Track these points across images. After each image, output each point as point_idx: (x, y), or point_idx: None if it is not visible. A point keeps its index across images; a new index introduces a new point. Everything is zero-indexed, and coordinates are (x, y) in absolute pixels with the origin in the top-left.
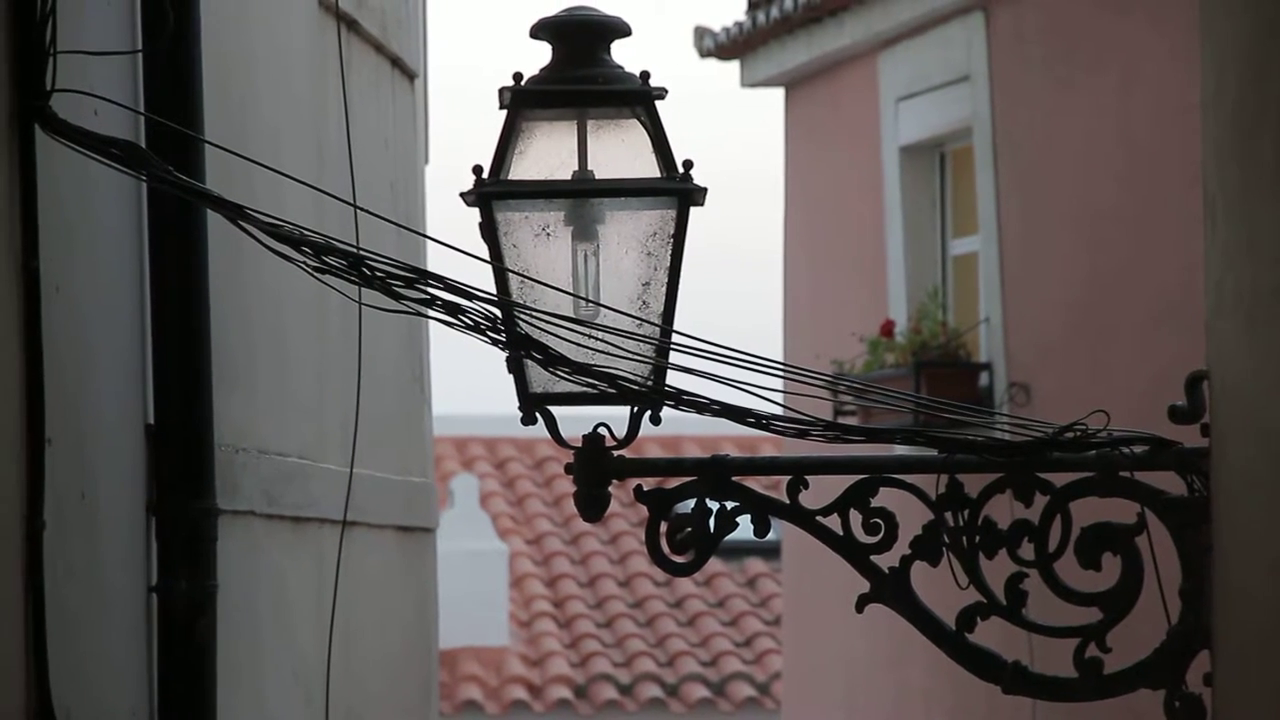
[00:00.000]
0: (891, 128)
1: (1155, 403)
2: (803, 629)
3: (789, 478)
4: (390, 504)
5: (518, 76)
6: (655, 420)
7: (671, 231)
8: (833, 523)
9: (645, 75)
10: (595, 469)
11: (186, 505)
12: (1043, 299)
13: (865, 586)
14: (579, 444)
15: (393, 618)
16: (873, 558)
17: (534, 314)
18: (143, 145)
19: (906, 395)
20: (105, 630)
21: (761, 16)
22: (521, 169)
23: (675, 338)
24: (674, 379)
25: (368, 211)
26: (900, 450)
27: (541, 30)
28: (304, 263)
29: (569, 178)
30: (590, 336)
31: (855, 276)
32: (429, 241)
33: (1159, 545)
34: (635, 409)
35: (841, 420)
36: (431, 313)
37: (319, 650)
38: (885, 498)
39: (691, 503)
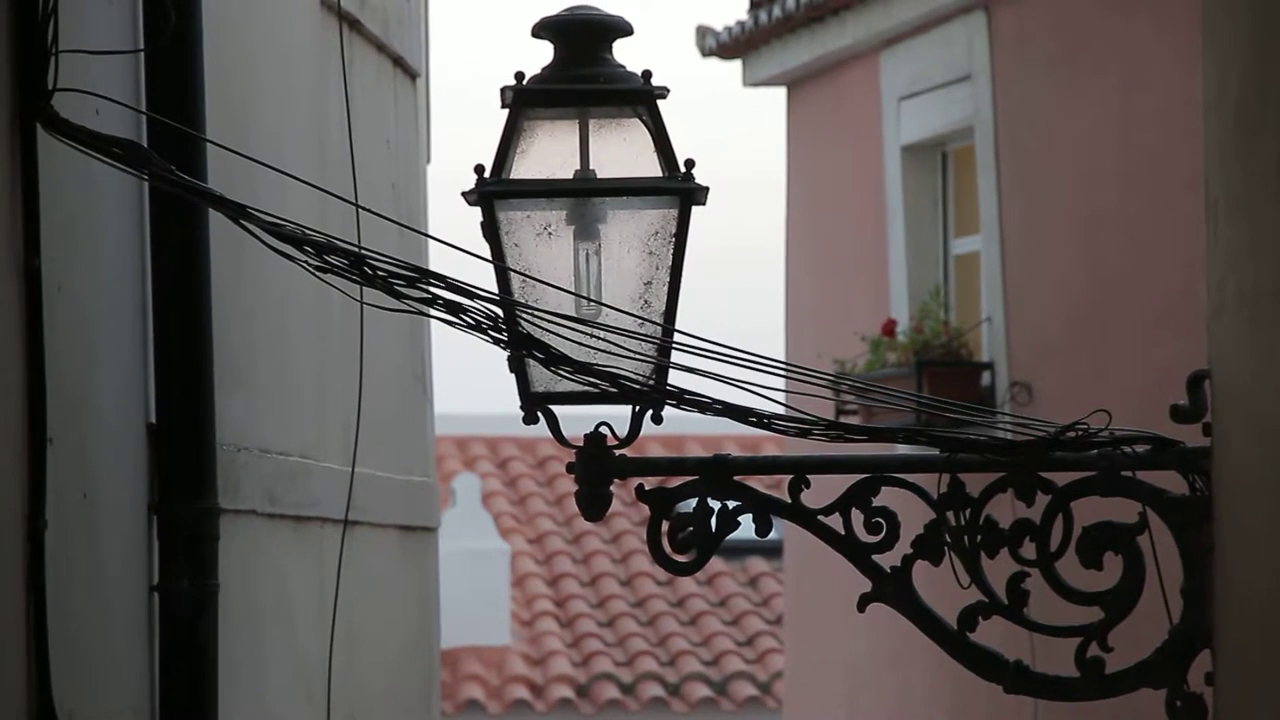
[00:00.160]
0: (893, 127)
1: (1157, 402)
2: (804, 628)
3: (791, 477)
4: (392, 503)
5: (520, 76)
6: (657, 419)
7: (673, 231)
8: (834, 522)
9: (647, 74)
10: (597, 468)
11: (188, 504)
12: (1044, 298)
13: (867, 586)
14: (581, 443)
15: (394, 617)
16: (874, 557)
17: (536, 313)
18: (144, 145)
19: (908, 395)
20: (106, 630)
21: (763, 16)
22: (523, 168)
23: (677, 337)
24: (676, 378)
25: (369, 211)
26: (902, 449)
27: (543, 29)
28: (306, 262)
29: (571, 177)
30: (592, 336)
31: (857, 276)
32: (431, 241)
33: (1160, 544)
34: (637, 408)
35: (843, 419)
36: (433, 312)
37: (320, 649)
38: (887, 497)
39: (693, 502)
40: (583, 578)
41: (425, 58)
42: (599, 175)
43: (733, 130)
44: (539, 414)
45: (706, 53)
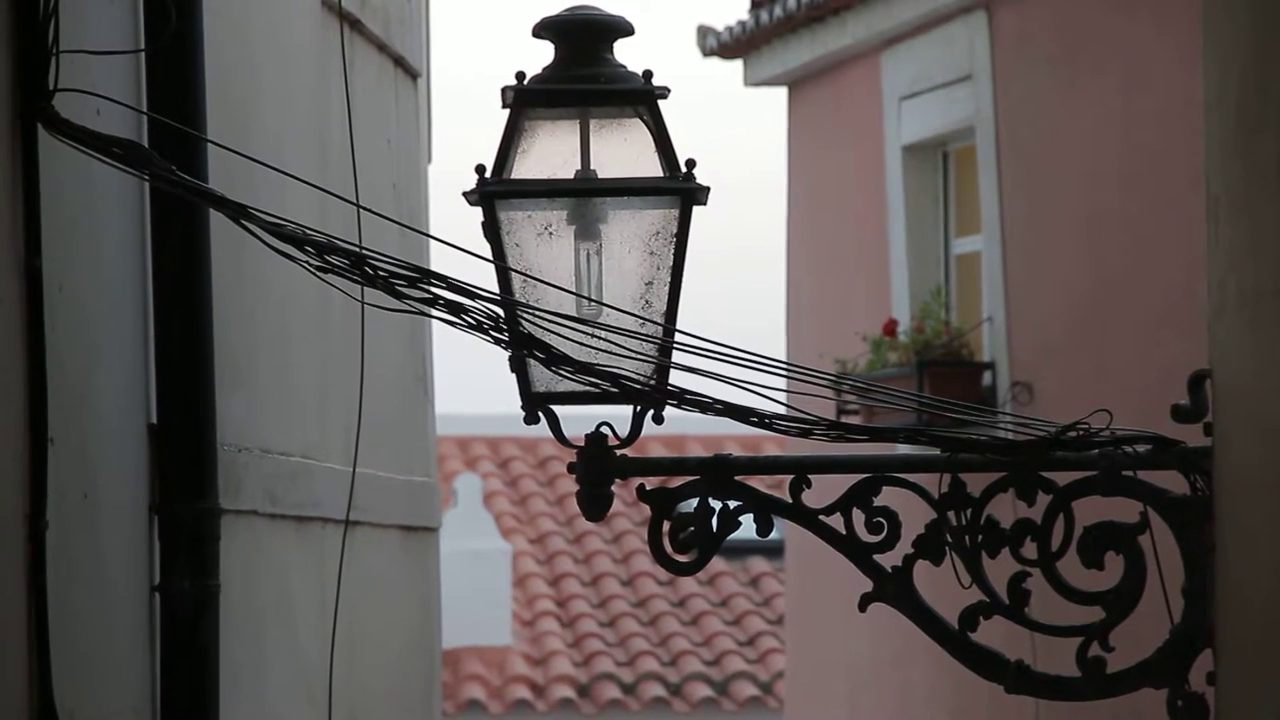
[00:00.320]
0: (894, 127)
1: (1158, 402)
2: (806, 628)
3: (792, 477)
4: (393, 503)
5: (520, 76)
6: (658, 419)
7: (674, 231)
8: (835, 522)
9: (648, 74)
10: (598, 468)
11: (189, 505)
12: (1045, 298)
13: (868, 586)
14: (582, 443)
15: (395, 617)
16: (875, 557)
17: (537, 313)
18: (145, 145)
19: (909, 394)
20: (108, 630)
21: (764, 15)
22: (524, 168)
23: (678, 337)
24: (677, 378)
25: (370, 211)
26: (903, 449)
27: (544, 29)
28: (307, 262)
29: (572, 177)
30: (593, 336)
31: (858, 275)
32: (432, 241)
33: (1162, 544)
34: (638, 408)
35: (844, 419)
36: (434, 312)
37: (321, 650)
38: (888, 497)
39: (694, 502)
40: (584, 578)
41: (426, 58)
42: (600, 175)
43: (734, 130)
44: (540, 414)
45: (707, 52)
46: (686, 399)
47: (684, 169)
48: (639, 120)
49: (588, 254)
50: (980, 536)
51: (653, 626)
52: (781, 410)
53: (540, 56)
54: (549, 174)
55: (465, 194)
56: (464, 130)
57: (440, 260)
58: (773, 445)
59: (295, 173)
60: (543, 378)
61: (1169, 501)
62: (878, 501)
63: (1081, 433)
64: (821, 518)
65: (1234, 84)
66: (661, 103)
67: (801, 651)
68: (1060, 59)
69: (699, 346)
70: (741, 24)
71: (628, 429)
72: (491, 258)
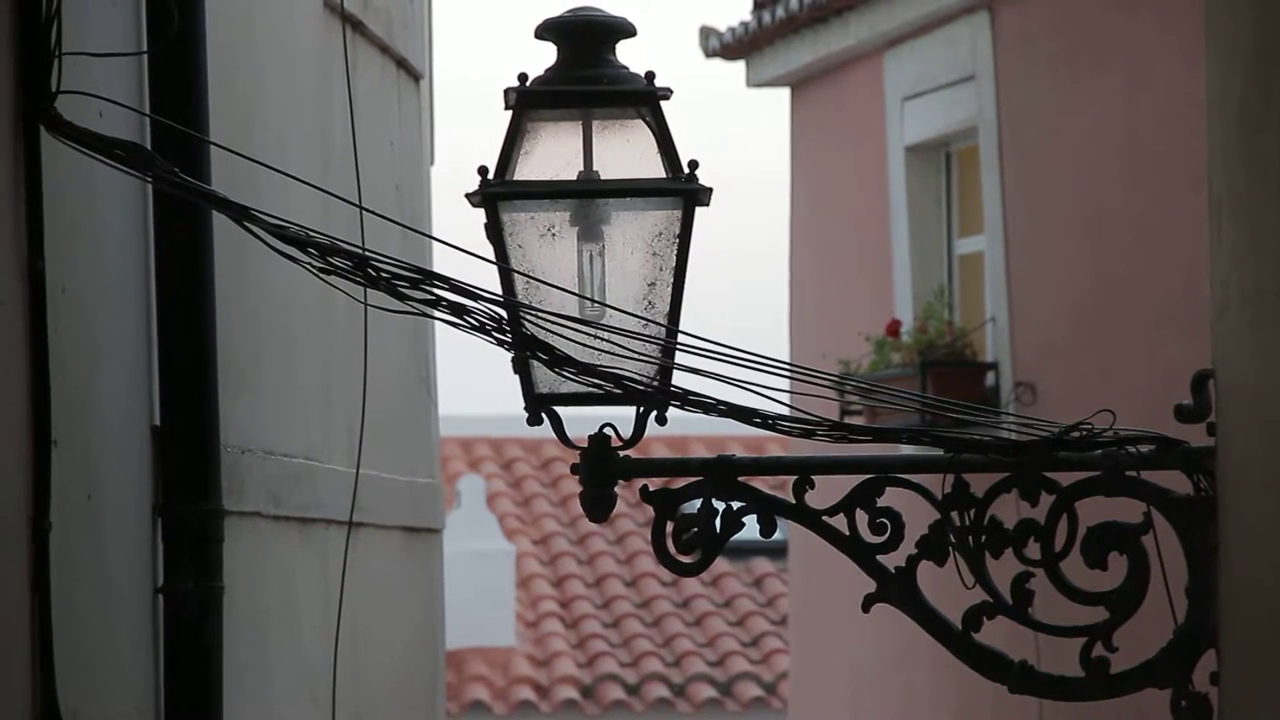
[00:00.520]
0: (897, 127)
1: (1161, 402)
2: (809, 629)
3: (795, 478)
4: (396, 505)
5: (523, 77)
6: (661, 420)
7: (677, 232)
8: (839, 523)
9: (650, 75)
10: (601, 469)
11: (192, 506)
12: (1048, 298)
13: (871, 586)
14: (585, 444)
15: (399, 618)
16: (879, 557)
17: (539, 314)
18: (148, 147)
19: (912, 395)
20: (111, 631)
21: (767, 16)
22: (527, 169)
23: (681, 338)
24: (680, 379)
25: (373, 213)
26: (906, 450)
27: (546, 31)
28: (309, 264)
29: (574, 178)
30: (596, 337)
31: (861, 276)
32: (434, 242)
33: (1165, 544)
34: (641, 409)
35: (848, 420)
36: (437, 313)
37: (325, 651)
38: (891, 497)
39: (698, 503)
40: (588, 578)
41: (429, 59)
42: (602, 176)
43: (736, 131)
44: (543, 415)
45: (710, 53)
46: (689, 400)
47: (686, 170)
48: (641, 121)
49: (590, 255)
50: (984, 537)
51: (656, 627)
52: (785, 411)
53: (543, 58)
54: (552, 175)
55: (468, 195)
56: (466, 132)
57: (443, 262)
58: (776, 446)
59: (298, 174)
60: (546, 379)
61: (1172, 501)
62: (881, 502)
63: (1085, 433)
64: (825, 518)
65: (1236, 83)
66: (664, 104)
67: (805, 652)
68: (1062, 59)
69: (702, 347)
70: (744, 25)
71: (631, 430)
72: (494, 259)
